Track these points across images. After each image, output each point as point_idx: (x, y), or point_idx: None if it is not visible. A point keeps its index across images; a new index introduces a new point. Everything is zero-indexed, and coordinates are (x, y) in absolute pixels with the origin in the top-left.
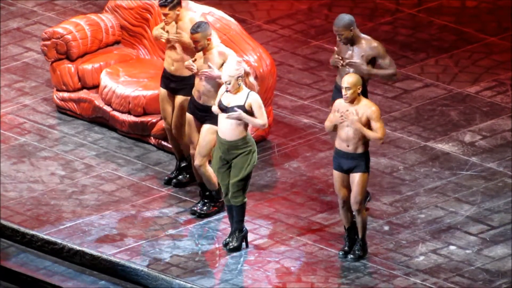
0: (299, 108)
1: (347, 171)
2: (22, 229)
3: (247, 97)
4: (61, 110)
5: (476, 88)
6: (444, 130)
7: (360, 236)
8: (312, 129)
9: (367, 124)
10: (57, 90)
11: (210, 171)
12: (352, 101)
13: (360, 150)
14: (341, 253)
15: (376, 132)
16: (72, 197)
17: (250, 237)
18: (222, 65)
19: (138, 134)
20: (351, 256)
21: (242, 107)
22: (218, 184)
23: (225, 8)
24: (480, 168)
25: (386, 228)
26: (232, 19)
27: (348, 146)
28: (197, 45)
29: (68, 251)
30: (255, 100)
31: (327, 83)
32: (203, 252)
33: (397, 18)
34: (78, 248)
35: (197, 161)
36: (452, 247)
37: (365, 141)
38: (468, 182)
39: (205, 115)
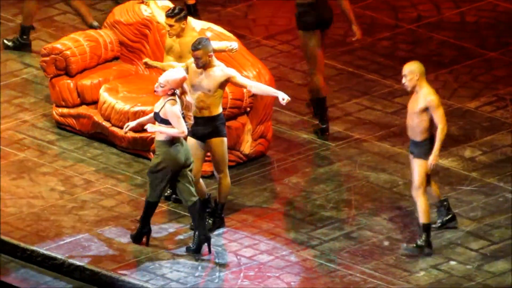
0: (298, 123)
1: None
2: (22, 244)
3: (163, 106)
4: (60, 126)
5: (475, 104)
6: (444, 145)
7: None
8: (311, 145)
9: (425, 111)
10: (56, 106)
11: (229, 182)
12: (412, 88)
13: (419, 138)
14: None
15: (439, 122)
16: (71, 213)
17: (250, 252)
18: (222, 83)
19: (137, 149)
20: None
21: (157, 114)
22: (214, 199)
23: (224, 24)
24: (480, 184)
25: (386, 243)
26: (231, 35)
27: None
28: (198, 62)
29: (68, 267)
30: (168, 110)
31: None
32: (202, 268)
33: (397, 34)
34: (78, 263)
35: (228, 179)
36: (452, 263)
37: (426, 129)
38: (468, 197)
39: (206, 128)
